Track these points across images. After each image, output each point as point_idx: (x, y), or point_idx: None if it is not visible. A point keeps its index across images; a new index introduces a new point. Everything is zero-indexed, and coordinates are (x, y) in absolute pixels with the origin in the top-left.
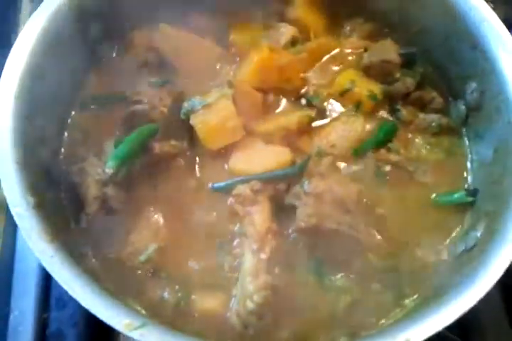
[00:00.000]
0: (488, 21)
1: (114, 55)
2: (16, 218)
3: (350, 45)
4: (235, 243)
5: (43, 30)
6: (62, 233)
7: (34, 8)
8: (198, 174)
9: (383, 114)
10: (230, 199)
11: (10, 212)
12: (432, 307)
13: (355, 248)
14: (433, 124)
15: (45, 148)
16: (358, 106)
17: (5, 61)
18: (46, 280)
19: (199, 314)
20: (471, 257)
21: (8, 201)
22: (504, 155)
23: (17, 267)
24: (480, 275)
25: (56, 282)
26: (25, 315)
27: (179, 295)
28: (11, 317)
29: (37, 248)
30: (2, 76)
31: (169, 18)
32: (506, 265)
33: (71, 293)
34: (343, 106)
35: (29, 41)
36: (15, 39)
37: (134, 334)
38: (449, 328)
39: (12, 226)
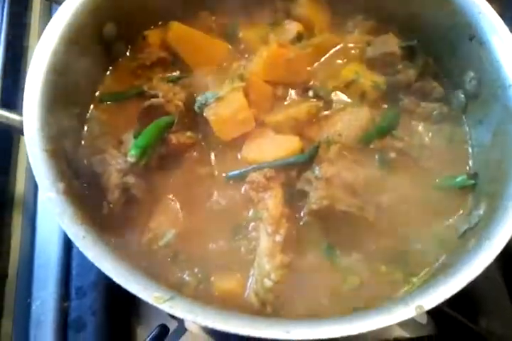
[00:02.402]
0: (483, 13)
1: (128, 52)
2: (48, 202)
3: (353, 39)
4: (250, 227)
5: (63, 31)
6: (88, 218)
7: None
8: (212, 163)
9: (387, 103)
10: (245, 186)
11: (27, 208)
12: (439, 279)
13: (365, 230)
14: (434, 113)
15: (67, 140)
16: (362, 96)
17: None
18: (66, 271)
19: (219, 294)
20: (474, 233)
21: (40, 186)
22: (502, 138)
23: (37, 260)
24: (484, 247)
25: (75, 273)
26: (46, 305)
27: (199, 276)
28: (33, 306)
29: (69, 230)
30: (28, 72)
31: (180, 16)
32: (508, 238)
33: (103, 269)
34: (349, 97)
35: (51, 41)
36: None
37: (164, 307)
38: (458, 310)
39: (30, 222)
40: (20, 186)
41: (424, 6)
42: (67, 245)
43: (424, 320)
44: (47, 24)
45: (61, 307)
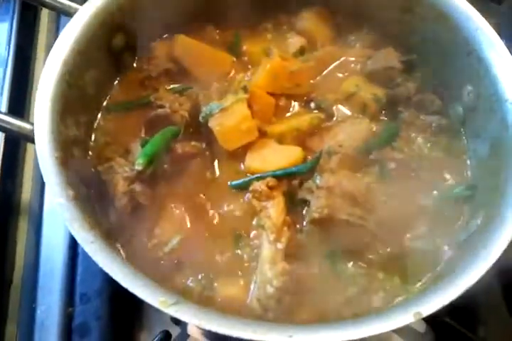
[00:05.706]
0: (481, 29)
1: (136, 64)
2: (57, 208)
3: (355, 53)
4: (252, 235)
5: (73, 42)
6: (96, 224)
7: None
8: (216, 172)
9: (387, 116)
10: (247, 195)
11: (33, 214)
12: (437, 287)
13: (365, 238)
14: (433, 125)
15: (75, 148)
16: (363, 109)
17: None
18: (71, 277)
19: (222, 300)
20: (472, 242)
21: (51, 193)
22: (499, 150)
23: (42, 266)
24: (481, 256)
25: (80, 279)
26: (51, 310)
27: (203, 282)
28: (38, 311)
29: (78, 235)
30: (40, 82)
31: (186, 29)
32: (504, 247)
33: (111, 273)
34: (350, 109)
35: (62, 51)
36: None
37: (169, 311)
38: (456, 320)
39: (36, 228)
40: (26, 193)
41: (422, 21)
42: (73, 251)
43: (422, 329)
44: (54, 34)
45: (66, 312)
